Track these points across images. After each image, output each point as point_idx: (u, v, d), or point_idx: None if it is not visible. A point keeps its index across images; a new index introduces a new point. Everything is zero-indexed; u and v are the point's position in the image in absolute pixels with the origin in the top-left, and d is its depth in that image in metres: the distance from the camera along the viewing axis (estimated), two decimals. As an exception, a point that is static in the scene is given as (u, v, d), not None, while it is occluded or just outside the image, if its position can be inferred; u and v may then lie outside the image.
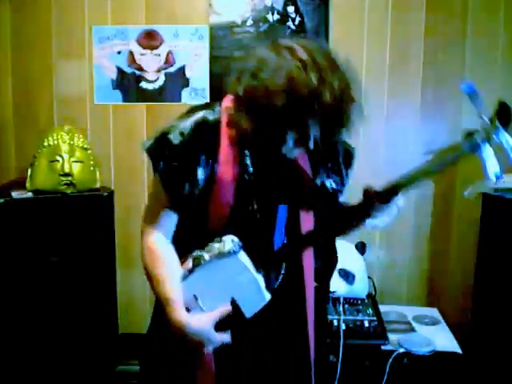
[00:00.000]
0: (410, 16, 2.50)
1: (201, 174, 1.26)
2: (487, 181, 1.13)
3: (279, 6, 2.51)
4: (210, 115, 1.30)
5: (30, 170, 2.22)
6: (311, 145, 1.14)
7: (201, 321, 1.21)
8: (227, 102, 1.29)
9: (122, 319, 2.37)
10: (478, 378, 2.13)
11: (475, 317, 2.35)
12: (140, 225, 1.34)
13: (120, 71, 2.59)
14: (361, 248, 2.37)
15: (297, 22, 2.52)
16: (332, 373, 1.97)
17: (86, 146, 2.25)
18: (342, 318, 2.08)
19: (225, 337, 1.23)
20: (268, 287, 1.27)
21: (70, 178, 2.16)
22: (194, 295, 1.26)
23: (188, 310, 1.24)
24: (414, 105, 2.56)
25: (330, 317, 2.10)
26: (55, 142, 2.19)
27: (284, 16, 2.52)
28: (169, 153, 1.27)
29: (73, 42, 2.58)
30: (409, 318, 2.36)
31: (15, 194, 2.15)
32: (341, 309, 2.12)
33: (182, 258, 1.30)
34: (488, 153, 1.11)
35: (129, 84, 2.60)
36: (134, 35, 2.55)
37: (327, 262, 1.52)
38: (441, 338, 2.15)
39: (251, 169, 1.30)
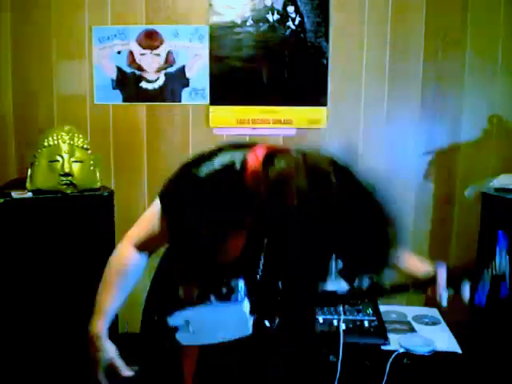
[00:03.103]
0: (409, 16, 2.50)
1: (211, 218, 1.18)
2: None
3: (279, 5, 2.51)
4: (238, 160, 1.17)
5: (30, 170, 2.22)
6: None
7: (107, 344, 1.28)
8: (259, 151, 1.16)
9: (121, 319, 2.37)
10: (478, 378, 2.13)
11: (475, 317, 2.35)
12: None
13: (120, 71, 2.59)
14: (361, 248, 2.36)
15: (297, 22, 2.52)
16: (332, 373, 1.97)
17: (86, 146, 2.25)
18: (342, 317, 2.07)
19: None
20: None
21: (70, 178, 2.16)
22: (187, 320, 1.30)
23: (176, 329, 1.28)
24: (414, 105, 2.56)
25: (329, 317, 2.10)
26: (55, 141, 2.19)
27: (284, 16, 2.52)
28: (188, 185, 1.21)
29: (73, 42, 2.58)
30: (409, 318, 2.35)
31: (15, 194, 2.15)
32: (341, 309, 2.12)
33: (192, 284, 1.31)
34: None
35: (129, 84, 2.60)
36: (134, 35, 2.55)
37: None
38: (441, 338, 2.14)
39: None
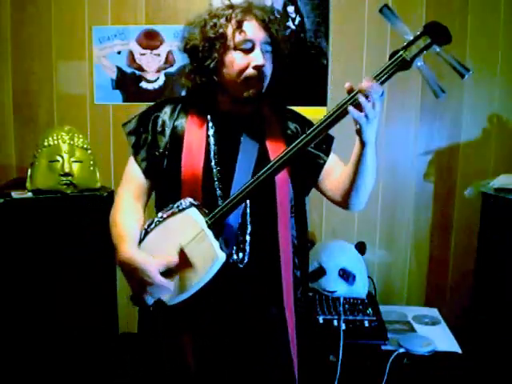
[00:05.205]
0: (410, 16, 2.50)
1: (163, 138, 1.42)
2: (439, 95, 1.24)
3: (279, 5, 2.51)
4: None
5: (30, 170, 2.22)
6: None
7: (147, 260, 1.26)
8: None
9: (121, 319, 2.37)
10: (478, 378, 2.13)
11: (475, 317, 2.35)
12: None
13: (120, 71, 2.59)
14: (361, 248, 2.37)
15: (297, 22, 2.52)
16: (332, 373, 1.97)
17: (86, 146, 2.24)
18: (342, 317, 2.08)
19: (166, 282, 1.25)
20: (228, 247, 1.30)
21: (70, 178, 2.16)
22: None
23: None
24: (413, 105, 2.56)
25: (329, 317, 2.10)
26: (55, 141, 2.19)
27: (284, 16, 2.51)
28: (134, 120, 1.48)
29: (73, 41, 2.58)
30: (409, 318, 2.36)
31: (15, 194, 2.15)
32: (341, 309, 2.12)
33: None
34: (424, 71, 1.27)
35: (129, 84, 2.60)
36: (134, 35, 2.56)
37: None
38: (441, 338, 2.15)
39: (212, 138, 1.42)
